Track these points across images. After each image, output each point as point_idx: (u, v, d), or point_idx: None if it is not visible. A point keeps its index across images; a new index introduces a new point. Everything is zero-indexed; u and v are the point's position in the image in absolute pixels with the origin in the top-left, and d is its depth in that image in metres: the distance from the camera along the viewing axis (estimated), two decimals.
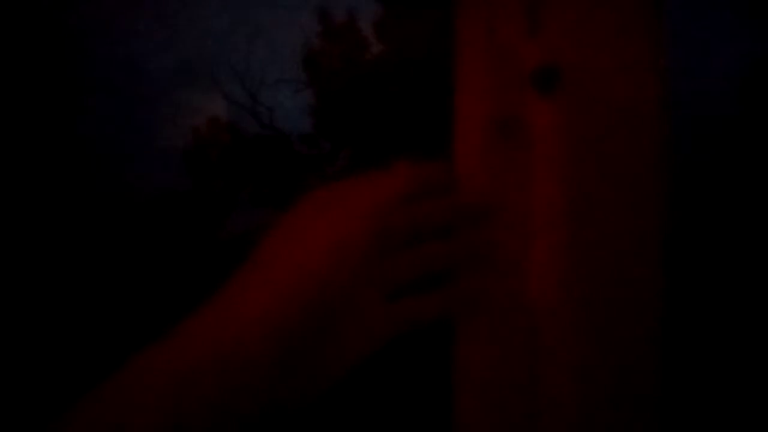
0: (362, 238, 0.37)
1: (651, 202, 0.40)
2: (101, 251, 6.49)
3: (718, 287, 4.22)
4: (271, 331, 0.35)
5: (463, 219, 0.41)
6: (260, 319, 0.36)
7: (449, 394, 0.42)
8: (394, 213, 0.38)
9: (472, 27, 0.44)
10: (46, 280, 5.51)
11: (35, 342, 4.13)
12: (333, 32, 8.64)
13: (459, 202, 0.41)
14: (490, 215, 0.41)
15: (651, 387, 0.40)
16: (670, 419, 0.39)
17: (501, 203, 0.41)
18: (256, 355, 0.35)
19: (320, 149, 8.57)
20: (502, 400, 0.40)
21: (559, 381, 0.39)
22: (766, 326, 3.60)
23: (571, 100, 0.39)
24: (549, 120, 0.37)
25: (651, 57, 0.40)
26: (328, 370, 0.37)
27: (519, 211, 0.40)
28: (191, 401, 0.34)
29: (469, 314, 0.41)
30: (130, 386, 0.35)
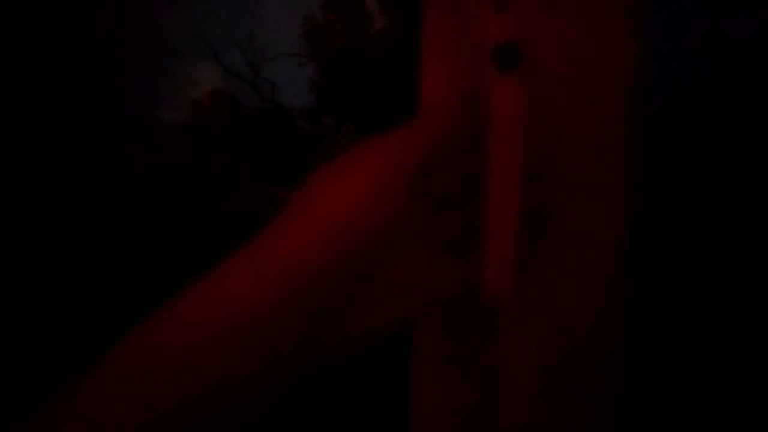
0: (402, 187, 0.35)
1: (617, 191, 0.38)
2: (104, 226, 6.51)
3: (685, 281, 4.19)
4: (310, 276, 0.33)
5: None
6: (296, 264, 0.33)
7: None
8: (437, 166, 0.36)
9: (440, 1, 0.42)
10: (48, 256, 5.54)
11: (38, 315, 4.16)
12: (336, 5, 8.52)
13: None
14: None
15: (613, 394, 0.38)
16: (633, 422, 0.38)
17: None
18: (294, 302, 0.33)
19: (321, 125, 8.52)
20: (459, 421, 0.39)
21: (520, 395, 0.38)
22: (737, 322, 3.57)
23: (533, 78, 0.37)
24: (507, 98, 0.35)
25: (624, 42, 0.38)
26: (375, 322, 0.35)
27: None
28: (210, 358, 0.32)
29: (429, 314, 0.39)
30: (128, 358, 0.32)
